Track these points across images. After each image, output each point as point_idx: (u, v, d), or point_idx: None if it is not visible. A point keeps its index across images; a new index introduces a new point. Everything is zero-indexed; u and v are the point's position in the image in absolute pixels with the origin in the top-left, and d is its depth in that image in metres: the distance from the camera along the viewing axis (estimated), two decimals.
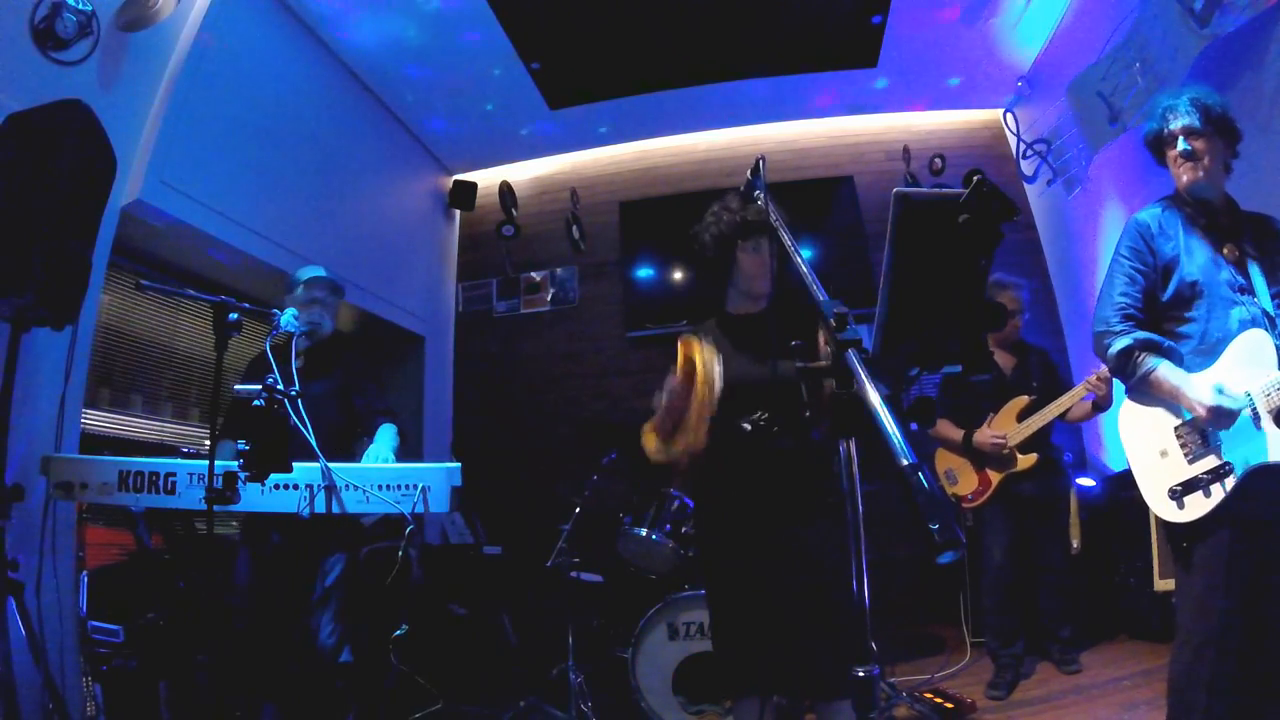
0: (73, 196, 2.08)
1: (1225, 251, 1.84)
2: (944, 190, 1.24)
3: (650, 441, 1.93)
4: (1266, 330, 1.74)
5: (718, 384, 1.74)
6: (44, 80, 2.48)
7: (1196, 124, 1.85)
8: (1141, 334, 1.84)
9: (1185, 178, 1.87)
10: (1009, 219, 1.18)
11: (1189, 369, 1.81)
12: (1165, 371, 1.79)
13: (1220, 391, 1.69)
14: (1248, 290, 1.79)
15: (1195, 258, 1.84)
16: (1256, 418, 1.68)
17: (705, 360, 1.75)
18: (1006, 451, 3.01)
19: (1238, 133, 1.90)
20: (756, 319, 2.01)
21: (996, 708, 2.79)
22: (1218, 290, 1.81)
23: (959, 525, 3.41)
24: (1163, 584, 3.07)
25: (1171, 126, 1.88)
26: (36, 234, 1.98)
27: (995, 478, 3.07)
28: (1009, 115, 4.65)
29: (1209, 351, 1.80)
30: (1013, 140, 4.69)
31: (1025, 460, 3.01)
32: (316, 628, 2.46)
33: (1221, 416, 1.68)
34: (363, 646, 2.60)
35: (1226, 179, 1.92)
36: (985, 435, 3.05)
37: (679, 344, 1.81)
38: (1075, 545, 3.36)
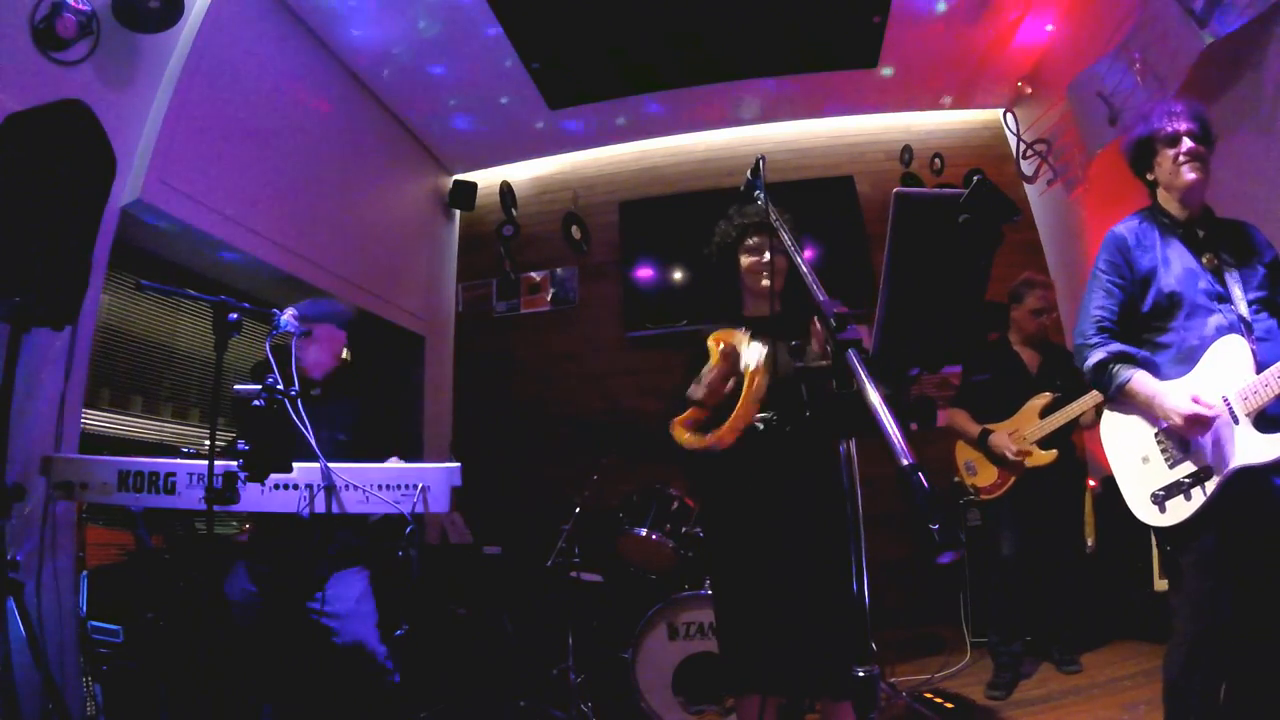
0: (73, 196, 2.08)
1: (1204, 261, 1.85)
2: (944, 190, 1.24)
3: (682, 435, 1.93)
4: (1243, 336, 1.75)
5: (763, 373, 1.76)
6: (44, 80, 2.47)
7: (1197, 128, 1.88)
8: (1116, 346, 1.86)
9: (1192, 176, 1.87)
10: (1009, 219, 1.19)
11: (1168, 377, 1.82)
12: (1139, 382, 1.81)
13: (1196, 400, 1.70)
14: (1225, 298, 1.81)
15: (1173, 268, 1.86)
16: (1235, 421, 1.69)
17: (746, 351, 1.79)
18: (1017, 461, 3.01)
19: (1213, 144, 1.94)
20: (770, 321, 2.02)
21: (996, 708, 2.79)
22: (1195, 299, 1.82)
23: (961, 526, 3.43)
24: (1162, 584, 3.08)
25: (1176, 127, 1.88)
26: (36, 234, 1.98)
27: (1013, 474, 3.07)
28: (1009, 115, 4.65)
29: (1187, 359, 1.81)
30: (1013, 140, 4.69)
31: (1046, 456, 3.00)
32: (362, 639, 2.43)
33: (1197, 424, 1.69)
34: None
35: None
36: (1002, 441, 3.03)
37: (712, 338, 1.85)
38: (1090, 544, 3.35)
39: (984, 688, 2.92)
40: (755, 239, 2.02)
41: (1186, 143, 1.87)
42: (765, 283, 1.99)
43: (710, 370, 1.88)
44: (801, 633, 1.77)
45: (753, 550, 1.87)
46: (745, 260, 2.04)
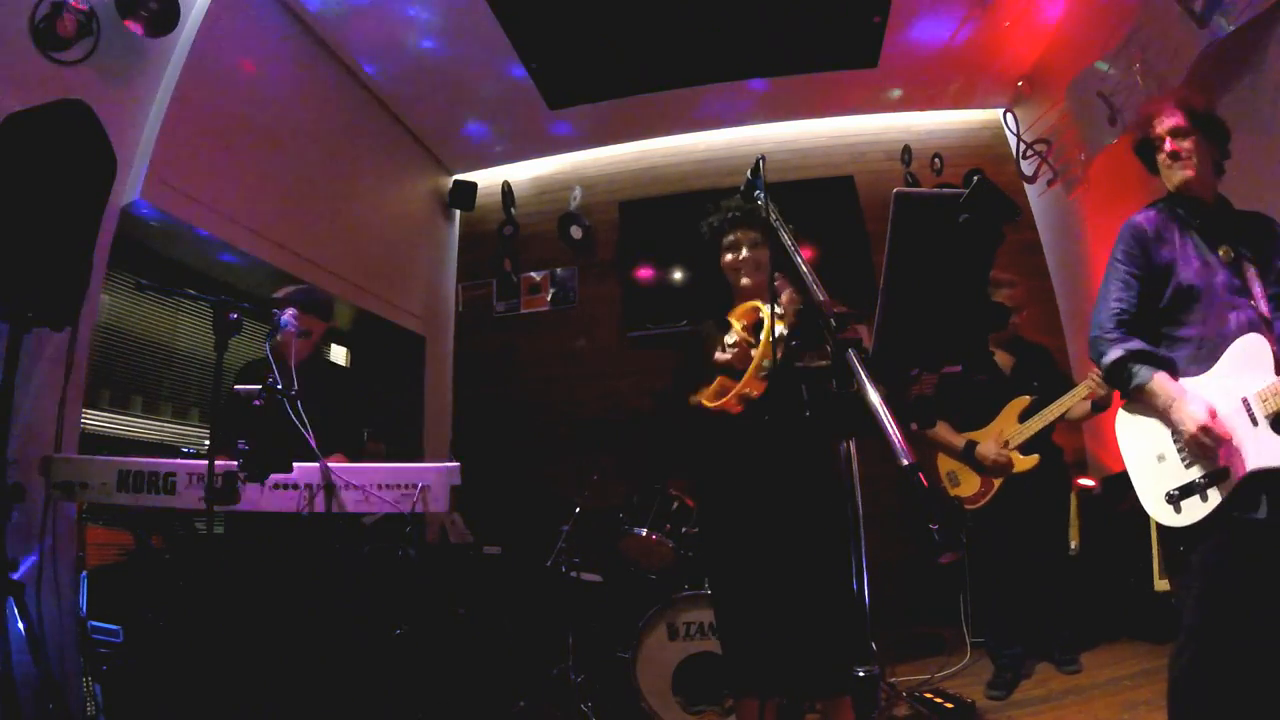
0: (73, 196, 2.08)
1: (1221, 253, 1.84)
2: (944, 190, 1.24)
3: (706, 396, 1.91)
4: (1263, 333, 1.73)
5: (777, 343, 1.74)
6: (44, 80, 2.48)
7: (1181, 123, 1.86)
8: (1135, 344, 1.84)
9: (1176, 177, 1.88)
10: (1009, 219, 1.19)
11: (1187, 374, 1.80)
12: (1158, 384, 1.78)
13: (1213, 417, 1.68)
14: (1244, 292, 1.79)
15: (1191, 261, 1.84)
16: (1254, 421, 1.67)
17: (770, 323, 1.76)
18: (1009, 462, 3.00)
19: (1226, 132, 1.90)
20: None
21: (996, 708, 2.79)
22: (1214, 293, 1.80)
23: (960, 527, 3.42)
24: (1162, 584, 3.07)
25: (1157, 129, 1.90)
26: (36, 234, 1.98)
27: (997, 481, 3.05)
28: (1009, 115, 4.65)
29: (1207, 356, 1.79)
30: (1013, 140, 4.69)
31: (1027, 461, 2.99)
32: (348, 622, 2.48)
33: (1205, 441, 1.67)
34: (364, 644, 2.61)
35: (1219, 180, 1.92)
36: (990, 450, 3.01)
37: (736, 314, 1.84)
38: (1073, 547, 3.34)
39: (984, 688, 2.92)
40: (732, 236, 2.01)
41: (1168, 144, 1.87)
42: (745, 280, 1.99)
43: (736, 335, 1.87)
44: (800, 633, 1.77)
45: (751, 550, 1.87)
46: (723, 259, 2.03)
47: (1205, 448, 1.68)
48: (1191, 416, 1.69)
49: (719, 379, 1.90)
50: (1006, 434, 3.05)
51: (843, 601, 1.65)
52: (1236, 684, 1.66)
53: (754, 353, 1.75)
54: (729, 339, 1.87)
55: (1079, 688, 2.87)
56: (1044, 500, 3.09)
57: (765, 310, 1.79)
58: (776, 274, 1.69)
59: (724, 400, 1.80)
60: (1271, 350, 1.70)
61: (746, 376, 1.75)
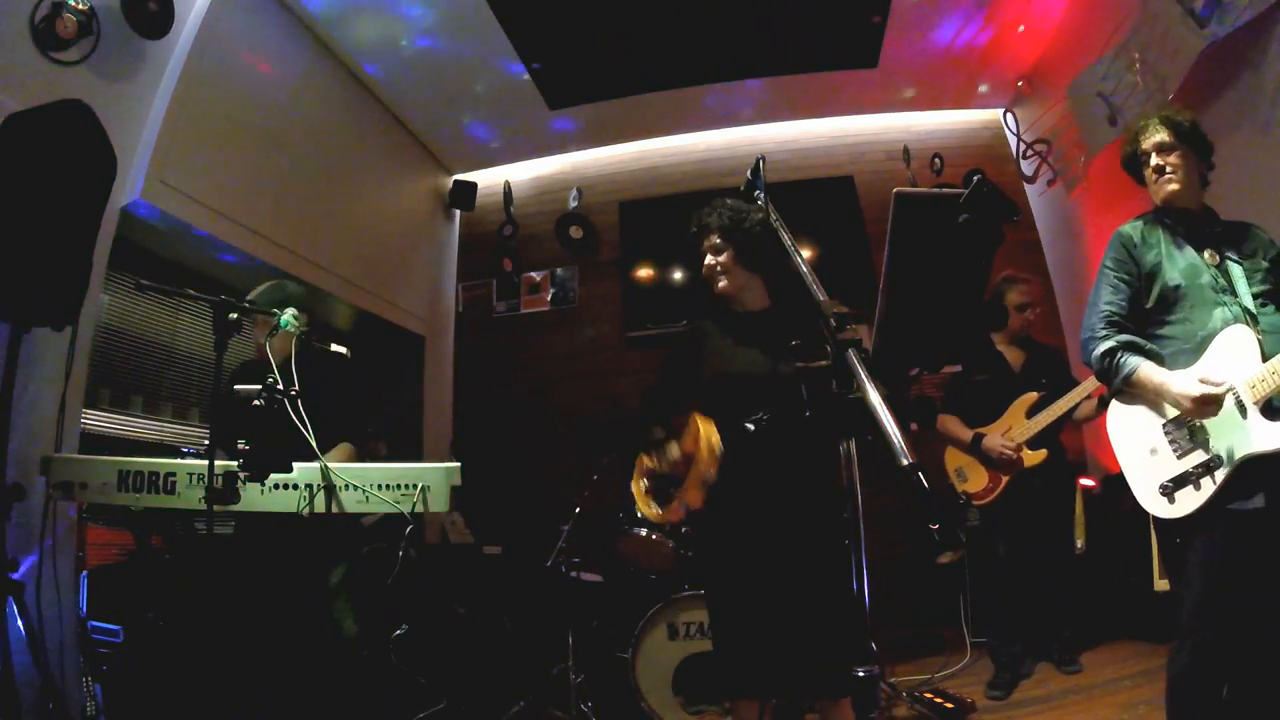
0: (73, 196, 2.08)
1: (1206, 256, 1.89)
2: (944, 190, 1.24)
3: (647, 509, 2.08)
4: (1248, 325, 1.77)
5: (717, 452, 1.87)
6: (44, 80, 2.48)
7: (1167, 139, 1.93)
8: (1124, 336, 1.90)
9: (1163, 191, 1.94)
10: (1009, 219, 1.19)
11: (1175, 369, 1.83)
12: (1147, 370, 1.83)
13: (1203, 381, 1.72)
14: (1229, 290, 1.83)
15: (1177, 263, 1.90)
16: (1243, 409, 1.70)
17: (708, 434, 1.88)
18: (1015, 458, 3.00)
19: (1210, 146, 1.97)
20: (758, 316, 2.02)
21: (996, 708, 2.79)
22: (1200, 292, 1.85)
23: (961, 525, 3.42)
24: (1162, 584, 3.07)
25: (1143, 145, 1.96)
26: (37, 234, 1.98)
27: (1005, 476, 3.06)
28: (1009, 115, 4.65)
29: (1194, 350, 1.83)
30: (1013, 140, 4.69)
31: (1035, 456, 3.00)
32: (338, 622, 2.47)
33: (1207, 405, 1.70)
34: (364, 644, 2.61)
35: (1204, 190, 1.98)
36: (996, 443, 3.03)
37: (693, 419, 1.94)
38: (1079, 545, 3.35)
39: (984, 688, 2.92)
40: (704, 243, 2.05)
41: (1154, 159, 1.94)
42: (719, 284, 2.02)
43: (678, 454, 1.98)
44: (796, 634, 1.77)
45: (746, 551, 1.87)
46: (702, 265, 2.07)
47: (1209, 406, 1.70)
48: (1185, 390, 1.73)
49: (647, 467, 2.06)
50: (1015, 429, 3.06)
51: (842, 603, 1.65)
52: (1235, 682, 1.66)
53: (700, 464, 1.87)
54: (670, 454, 1.99)
55: (1079, 688, 2.87)
56: (1051, 497, 3.11)
57: (705, 434, 1.89)
58: None
59: (667, 512, 1.98)
60: (1257, 340, 1.73)
61: (692, 483, 1.88)
